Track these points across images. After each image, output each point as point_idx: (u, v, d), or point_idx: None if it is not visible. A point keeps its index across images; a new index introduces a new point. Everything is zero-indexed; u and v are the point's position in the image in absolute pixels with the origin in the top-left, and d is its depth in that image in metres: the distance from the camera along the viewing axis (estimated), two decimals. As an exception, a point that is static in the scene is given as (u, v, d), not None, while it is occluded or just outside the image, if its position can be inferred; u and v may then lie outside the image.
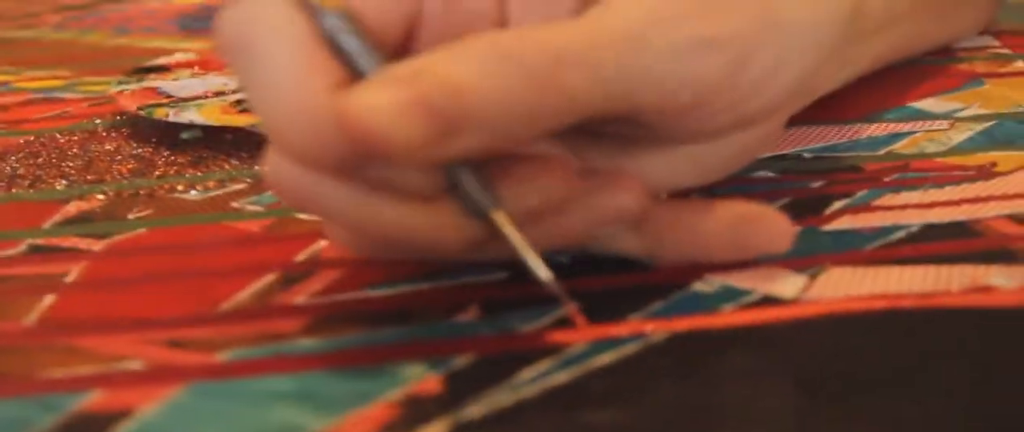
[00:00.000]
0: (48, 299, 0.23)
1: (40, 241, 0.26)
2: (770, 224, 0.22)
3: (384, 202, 0.19)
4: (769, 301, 0.21)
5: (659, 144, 0.22)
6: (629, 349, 0.20)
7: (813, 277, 0.22)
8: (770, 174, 0.27)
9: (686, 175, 0.23)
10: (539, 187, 0.20)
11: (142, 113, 0.33)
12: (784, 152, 0.28)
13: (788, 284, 0.22)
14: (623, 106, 0.20)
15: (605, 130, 0.22)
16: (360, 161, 0.18)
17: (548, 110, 0.19)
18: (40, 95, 0.39)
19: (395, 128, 0.17)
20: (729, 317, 0.20)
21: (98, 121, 0.35)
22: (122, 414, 0.18)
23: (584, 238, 0.22)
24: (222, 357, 0.20)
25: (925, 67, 0.35)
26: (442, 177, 0.19)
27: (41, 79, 0.41)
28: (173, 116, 0.32)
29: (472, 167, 0.19)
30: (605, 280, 0.22)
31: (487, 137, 0.18)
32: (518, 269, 0.23)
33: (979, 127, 0.30)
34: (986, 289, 0.21)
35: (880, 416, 0.17)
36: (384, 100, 0.17)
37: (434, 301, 0.22)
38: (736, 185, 0.26)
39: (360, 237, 0.22)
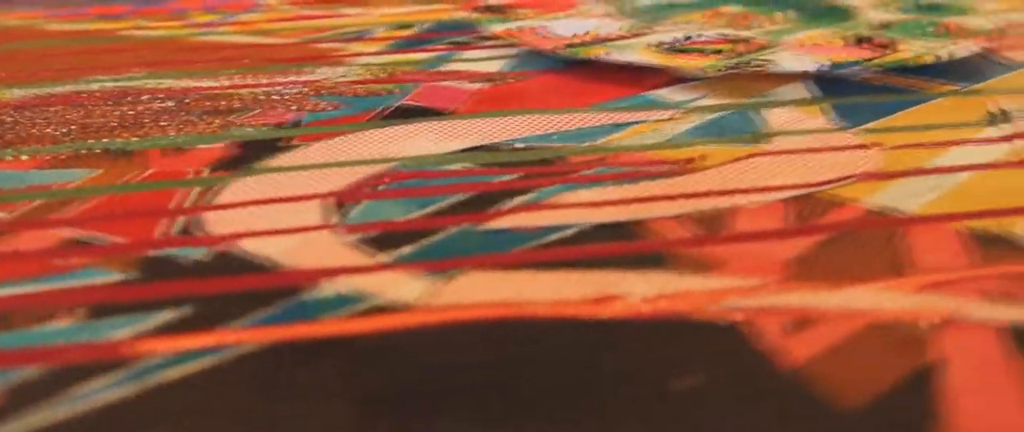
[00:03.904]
0: None
1: None
2: None
3: None
4: (384, 308, 0.20)
5: None
6: (206, 362, 0.19)
7: (449, 280, 0.21)
8: (461, 166, 0.26)
9: None
10: None
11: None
12: (495, 141, 0.28)
13: (412, 289, 0.21)
14: None
15: None
16: None
17: None
18: None
19: None
20: (326, 326, 0.20)
21: None
22: None
23: None
24: None
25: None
26: None
27: None
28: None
29: None
30: (220, 283, 0.21)
31: None
32: (143, 268, 0.22)
33: (706, 117, 0.29)
34: (611, 298, 0.20)
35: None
36: None
37: (37, 303, 0.21)
38: (416, 178, 0.25)
39: None
